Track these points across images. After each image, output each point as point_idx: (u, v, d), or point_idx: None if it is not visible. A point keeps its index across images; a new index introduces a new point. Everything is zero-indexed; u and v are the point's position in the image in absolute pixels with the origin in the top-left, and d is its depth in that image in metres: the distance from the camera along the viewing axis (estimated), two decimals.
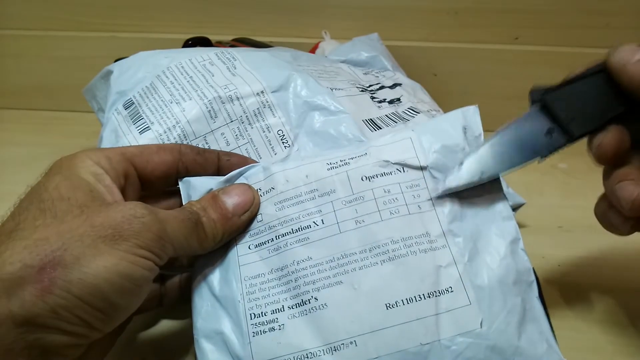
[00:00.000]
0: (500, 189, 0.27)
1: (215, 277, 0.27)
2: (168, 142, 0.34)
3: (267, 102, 0.36)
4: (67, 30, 0.57)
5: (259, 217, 0.27)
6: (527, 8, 0.48)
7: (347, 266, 0.25)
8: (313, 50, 0.50)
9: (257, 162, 0.31)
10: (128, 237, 0.22)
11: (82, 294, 0.21)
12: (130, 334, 0.33)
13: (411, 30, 0.52)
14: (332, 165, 0.28)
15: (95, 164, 0.25)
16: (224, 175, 0.29)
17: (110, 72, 0.39)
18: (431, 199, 0.26)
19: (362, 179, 0.27)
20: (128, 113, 0.36)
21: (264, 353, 0.24)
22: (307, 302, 0.25)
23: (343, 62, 0.45)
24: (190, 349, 0.27)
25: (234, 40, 0.51)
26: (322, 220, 0.26)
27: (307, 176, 0.27)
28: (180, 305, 0.32)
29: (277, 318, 0.25)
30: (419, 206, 0.26)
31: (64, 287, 0.21)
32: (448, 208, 0.26)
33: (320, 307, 0.24)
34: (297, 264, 0.25)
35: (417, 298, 0.24)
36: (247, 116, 0.35)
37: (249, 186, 0.28)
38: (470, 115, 0.28)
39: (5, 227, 0.23)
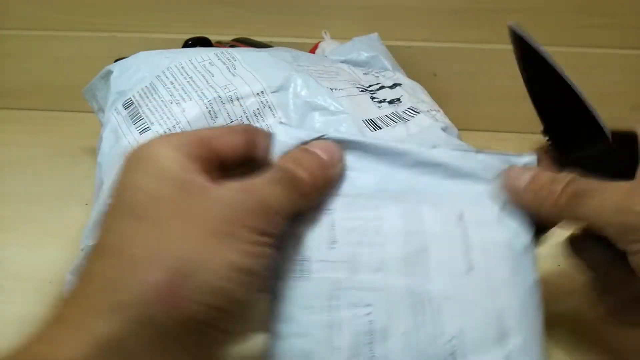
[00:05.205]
0: None
1: None
2: None
3: (267, 102, 0.36)
4: (67, 30, 0.57)
5: None
6: (526, 8, 0.48)
7: None
8: (313, 50, 0.50)
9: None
10: (236, 226, 0.21)
11: (217, 302, 0.20)
12: None
13: (411, 30, 0.52)
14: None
15: (177, 150, 0.23)
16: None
17: (110, 72, 0.39)
18: None
19: None
20: (128, 113, 0.36)
21: None
22: None
23: (343, 62, 0.45)
24: None
25: (234, 40, 0.50)
26: None
27: None
28: None
29: None
30: None
31: (191, 297, 0.19)
32: None
33: None
34: None
35: None
36: (247, 116, 0.35)
37: (333, 143, 0.26)
38: None
39: (106, 243, 0.21)
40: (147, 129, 0.35)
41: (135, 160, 0.23)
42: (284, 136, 0.26)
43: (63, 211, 0.43)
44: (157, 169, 0.22)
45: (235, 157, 0.25)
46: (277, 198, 0.23)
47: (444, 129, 0.38)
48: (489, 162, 0.27)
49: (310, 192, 0.24)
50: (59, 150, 0.52)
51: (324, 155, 0.25)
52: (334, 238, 0.24)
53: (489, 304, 0.24)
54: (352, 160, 0.27)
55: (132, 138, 0.35)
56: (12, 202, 0.45)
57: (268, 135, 0.27)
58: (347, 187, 0.26)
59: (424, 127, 0.38)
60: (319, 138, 0.27)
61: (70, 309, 0.19)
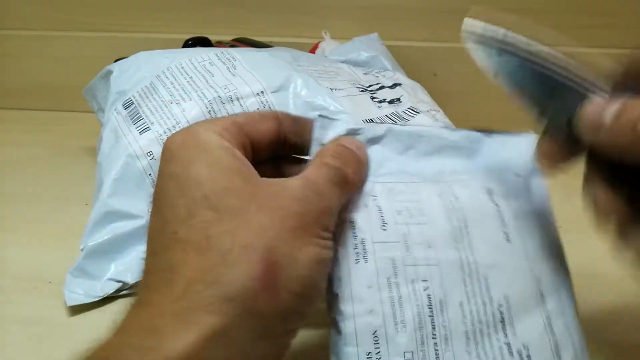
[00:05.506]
0: None
1: None
2: None
3: (267, 102, 0.36)
4: (67, 30, 0.57)
5: None
6: (526, 8, 0.48)
7: None
8: (313, 50, 0.50)
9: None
10: (310, 223, 0.22)
11: (303, 290, 0.21)
12: None
13: (411, 30, 0.52)
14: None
15: (220, 136, 0.23)
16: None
17: (110, 72, 0.39)
18: None
19: None
20: (128, 113, 0.36)
21: None
22: None
23: (343, 62, 0.45)
24: None
25: (234, 40, 0.51)
26: None
27: None
28: None
29: None
30: None
31: (285, 287, 0.20)
32: None
33: None
34: None
35: None
36: None
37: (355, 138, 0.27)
38: None
39: (183, 236, 0.21)
40: (147, 129, 0.35)
41: (185, 149, 0.22)
42: (329, 130, 0.27)
43: (63, 211, 0.43)
44: (213, 159, 0.22)
45: (267, 144, 0.26)
46: (336, 197, 0.24)
47: None
48: (503, 141, 0.28)
49: (353, 188, 0.25)
50: (59, 150, 0.52)
51: (357, 151, 0.26)
52: (384, 220, 0.26)
53: (527, 270, 0.25)
54: (384, 148, 0.28)
55: (132, 138, 0.35)
56: (12, 202, 0.45)
57: (295, 120, 0.27)
58: (383, 174, 0.27)
59: None
60: (356, 132, 0.27)
61: (166, 301, 0.19)
